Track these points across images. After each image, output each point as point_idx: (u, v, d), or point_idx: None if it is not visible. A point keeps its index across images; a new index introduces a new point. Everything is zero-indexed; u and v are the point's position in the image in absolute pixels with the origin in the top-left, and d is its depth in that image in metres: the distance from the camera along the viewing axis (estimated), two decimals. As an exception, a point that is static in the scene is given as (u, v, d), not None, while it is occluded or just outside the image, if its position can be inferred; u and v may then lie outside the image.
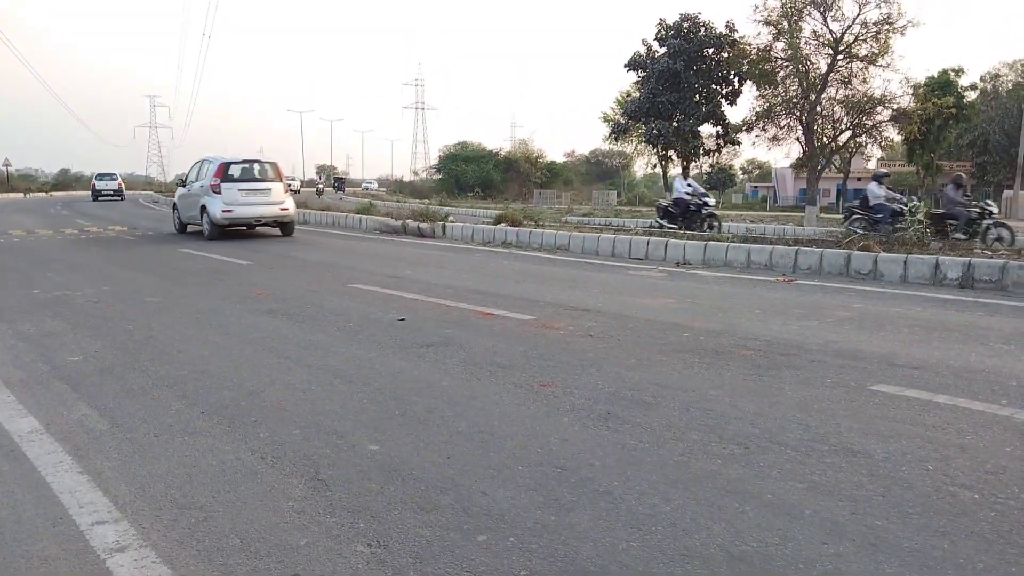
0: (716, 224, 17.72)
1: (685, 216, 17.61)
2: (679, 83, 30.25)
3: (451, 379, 4.74)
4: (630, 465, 3.30)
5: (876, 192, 14.91)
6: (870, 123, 28.55)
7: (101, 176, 45.80)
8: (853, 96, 27.67)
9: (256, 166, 16.29)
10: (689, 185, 18.40)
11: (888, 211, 14.34)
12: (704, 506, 2.88)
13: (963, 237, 13.39)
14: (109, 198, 42.85)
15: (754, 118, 29.32)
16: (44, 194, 55.46)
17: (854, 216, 15.34)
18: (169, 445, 3.62)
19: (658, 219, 18.63)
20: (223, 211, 15.13)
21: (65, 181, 75.95)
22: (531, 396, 4.34)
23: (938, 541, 2.60)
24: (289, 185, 18.52)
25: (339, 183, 67.14)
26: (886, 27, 26.00)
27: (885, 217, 14.24)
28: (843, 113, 28.55)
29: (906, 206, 13.81)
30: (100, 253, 13.31)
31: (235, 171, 15.61)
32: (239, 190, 15.36)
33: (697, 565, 2.45)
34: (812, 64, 27.49)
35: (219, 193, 15.13)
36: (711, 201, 18.26)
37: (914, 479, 3.12)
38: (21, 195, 51.46)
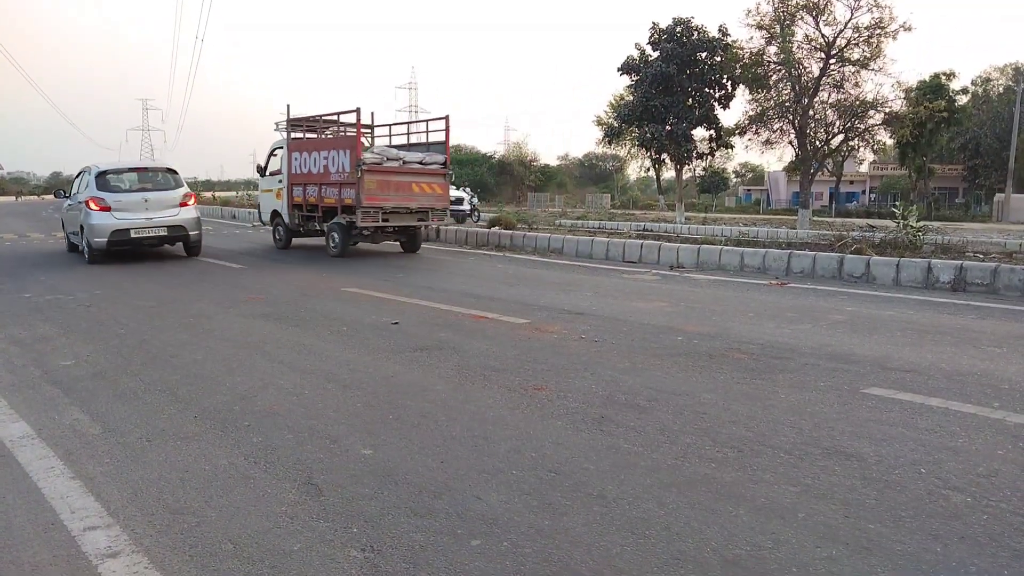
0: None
1: None
2: (672, 87, 30.28)
3: (444, 383, 4.73)
4: (624, 469, 3.30)
5: None
6: (862, 127, 28.62)
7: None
8: (845, 100, 27.74)
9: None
10: None
11: None
12: (698, 510, 2.88)
13: None
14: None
15: (747, 122, 29.35)
16: (36, 197, 55.19)
17: None
18: (162, 450, 3.60)
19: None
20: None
21: (57, 184, 75.63)
22: (525, 400, 4.34)
23: (931, 544, 2.61)
24: None
25: None
26: (878, 31, 26.07)
27: None
28: (835, 117, 28.61)
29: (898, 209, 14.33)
30: (92, 257, 13.22)
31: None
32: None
33: (691, 569, 2.45)
34: (804, 68, 27.55)
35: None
36: None
37: (907, 482, 3.13)
38: (13, 198, 51.21)
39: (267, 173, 15.22)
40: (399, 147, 13.94)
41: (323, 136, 14.18)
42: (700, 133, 32.43)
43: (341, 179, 12.55)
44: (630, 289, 9.09)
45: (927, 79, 38.32)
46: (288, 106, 13.98)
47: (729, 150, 34.26)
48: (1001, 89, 48.60)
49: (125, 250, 12.57)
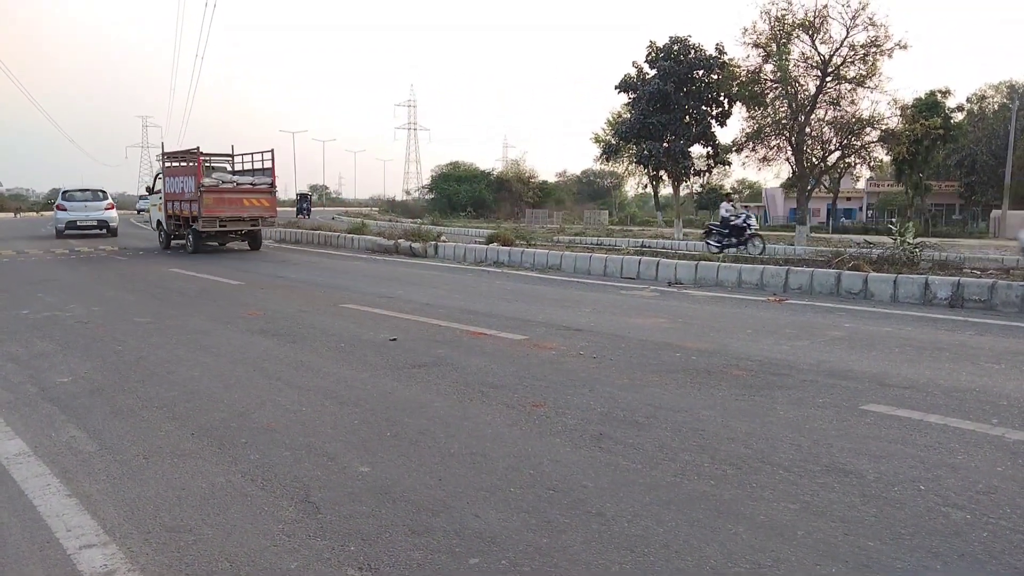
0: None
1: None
2: (669, 104, 30.41)
3: (443, 400, 4.72)
4: (622, 486, 3.29)
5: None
6: (859, 144, 28.75)
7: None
8: (842, 117, 27.88)
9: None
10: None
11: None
12: (697, 528, 2.87)
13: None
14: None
15: (744, 139, 29.49)
16: (35, 214, 55.13)
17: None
18: (159, 467, 3.59)
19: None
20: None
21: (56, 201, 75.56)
22: (523, 417, 4.33)
23: (931, 562, 2.60)
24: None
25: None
26: (874, 49, 26.25)
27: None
28: (832, 134, 28.76)
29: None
30: (90, 273, 13.26)
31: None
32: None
33: (690, 587, 2.44)
34: (801, 86, 27.70)
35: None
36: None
37: (906, 499, 3.12)
38: (12, 215, 51.23)
39: (154, 191, 21.06)
40: (241, 172, 18.96)
41: (182, 165, 18.86)
42: (697, 150, 32.59)
43: (191, 197, 17.26)
44: (628, 305, 9.09)
45: (923, 96, 38.54)
46: (163, 143, 22.01)
47: (726, 167, 34.43)
48: (996, 107, 48.91)
49: (75, 233, 24.14)
